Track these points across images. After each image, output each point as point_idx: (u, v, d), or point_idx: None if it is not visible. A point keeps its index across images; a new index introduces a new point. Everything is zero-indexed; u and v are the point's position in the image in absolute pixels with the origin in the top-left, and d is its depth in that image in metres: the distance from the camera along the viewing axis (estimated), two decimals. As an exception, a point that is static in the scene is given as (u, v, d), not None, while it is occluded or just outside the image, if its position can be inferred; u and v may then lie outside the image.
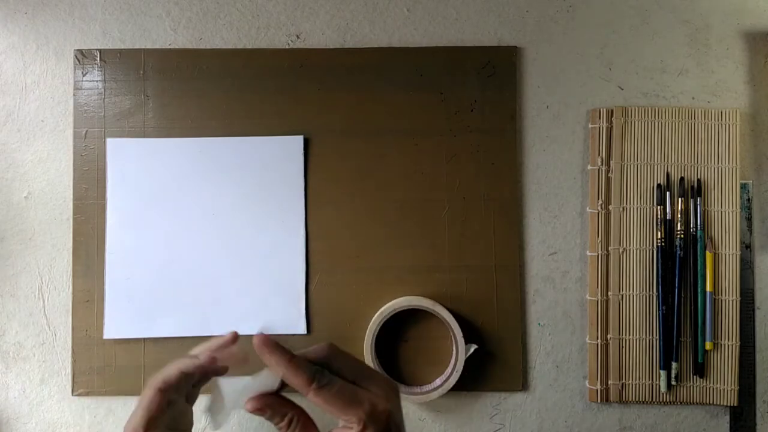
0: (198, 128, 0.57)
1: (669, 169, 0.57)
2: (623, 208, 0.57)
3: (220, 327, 0.56)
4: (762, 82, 0.58)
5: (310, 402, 0.35)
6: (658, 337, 0.56)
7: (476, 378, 0.56)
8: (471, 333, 0.56)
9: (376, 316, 0.55)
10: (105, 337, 0.56)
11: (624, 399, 0.56)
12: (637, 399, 0.56)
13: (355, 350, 0.56)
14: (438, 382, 0.55)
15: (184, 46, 0.58)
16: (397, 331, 0.56)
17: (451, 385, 0.54)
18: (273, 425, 0.38)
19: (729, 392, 0.56)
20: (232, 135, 0.57)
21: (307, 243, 0.57)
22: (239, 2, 0.59)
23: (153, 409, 0.43)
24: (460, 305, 0.56)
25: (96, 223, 0.57)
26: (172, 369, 0.44)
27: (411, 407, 0.57)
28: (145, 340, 0.56)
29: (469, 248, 0.57)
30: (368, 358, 0.54)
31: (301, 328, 0.56)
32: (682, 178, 0.57)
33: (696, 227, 0.56)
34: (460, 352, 0.54)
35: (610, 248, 0.57)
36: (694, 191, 0.56)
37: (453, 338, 0.55)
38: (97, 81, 0.58)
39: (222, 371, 0.44)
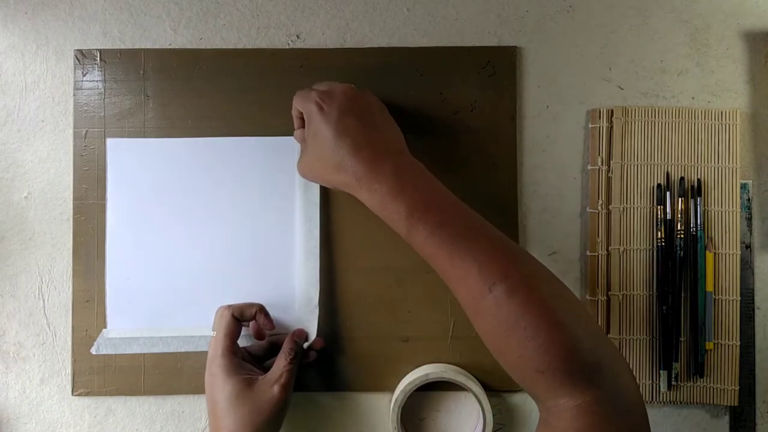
0: (198, 128, 0.57)
1: (669, 169, 0.57)
2: (623, 208, 0.57)
3: (220, 327, 0.56)
4: (762, 82, 0.58)
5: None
6: (658, 337, 0.56)
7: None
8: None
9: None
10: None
11: (624, 399, 0.56)
12: (637, 399, 0.56)
13: (355, 352, 0.56)
14: None
15: (184, 46, 0.58)
16: (397, 331, 0.56)
17: None
18: None
19: (729, 392, 0.56)
20: (232, 135, 0.57)
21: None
22: (239, 2, 0.59)
23: (232, 331, 0.52)
24: (459, 305, 0.56)
25: (96, 223, 0.57)
26: (240, 304, 0.54)
27: (411, 407, 0.57)
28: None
29: (469, 248, 0.57)
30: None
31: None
32: (682, 178, 0.57)
33: (696, 227, 0.56)
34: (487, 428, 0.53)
35: (610, 248, 0.57)
36: (694, 191, 0.57)
37: (481, 412, 0.53)
38: (97, 81, 0.58)
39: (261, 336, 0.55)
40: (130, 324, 0.56)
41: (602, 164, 0.57)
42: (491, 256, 0.43)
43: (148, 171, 0.57)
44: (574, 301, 0.45)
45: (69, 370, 0.56)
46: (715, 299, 0.56)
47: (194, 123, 0.57)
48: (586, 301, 0.57)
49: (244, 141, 0.57)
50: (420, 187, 0.47)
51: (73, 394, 0.56)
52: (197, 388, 0.56)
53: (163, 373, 0.56)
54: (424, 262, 0.57)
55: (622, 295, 0.57)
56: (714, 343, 0.56)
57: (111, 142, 0.57)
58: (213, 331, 0.53)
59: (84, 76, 0.58)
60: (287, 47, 0.58)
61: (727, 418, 0.57)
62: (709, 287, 0.55)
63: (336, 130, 0.48)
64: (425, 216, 0.45)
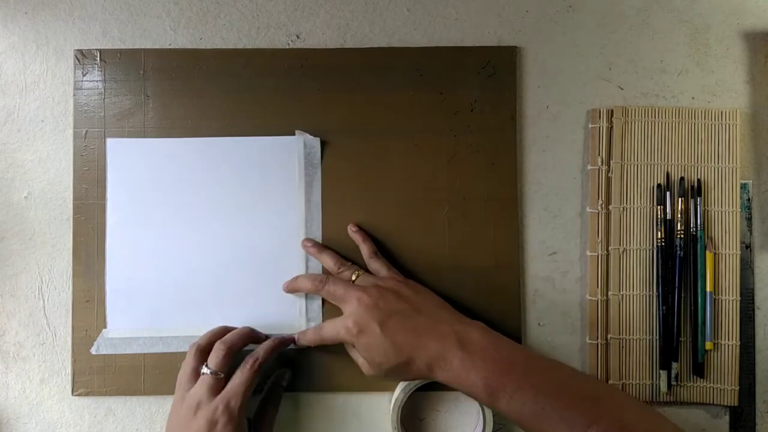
0: (198, 128, 0.57)
1: (669, 169, 0.57)
2: (623, 208, 0.57)
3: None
4: (762, 82, 0.58)
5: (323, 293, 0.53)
6: (658, 337, 0.56)
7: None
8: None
9: None
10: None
11: (624, 399, 0.56)
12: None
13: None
14: None
15: (184, 46, 0.58)
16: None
17: None
18: None
19: (729, 392, 0.56)
20: (232, 135, 0.57)
21: (307, 243, 0.57)
22: (239, 2, 0.59)
23: (250, 386, 0.50)
24: (459, 306, 0.56)
25: (96, 223, 0.57)
26: (265, 347, 0.52)
27: (411, 407, 0.57)
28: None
29: (469, 248, 0.57)
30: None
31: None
32: (682, 178, 0.57)
33: (696, 227, 0.56)
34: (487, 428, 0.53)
35: (610, 248, 0.57)
36: (694, 191, 0.57)
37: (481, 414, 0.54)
38: (97, 81, 0.58)
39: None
40: (130, 324, 0.56)
41: (602, 164, 0.57)
42: (576, 407, 0.44)
43: (148, 171, 0.57)
44: (667, 424, 0.46)
45: (69, 370, 0.56)
46: (715, 299, 0.56)
47: (194, 123, 0.57)
48: (585, 301, 0.57)
49: (244, 141, 0.57)
50: (488, 352, 0.47)
51: (73, 394, 0.56)
52: (197, 388, 0.56)
53: (163, 373, 0.56)
54: (423, 262, 0.57)
55: (622, 295, 0.57)
56: (714, 343, 0.56)
57: (111, 142, 0.57)
58: (210, 366, 0.50)
59: (84, 76, 0.58)
60: (287, 47, 0.58)
61: (727, 418, 0.57)
62: (709, 287, 0.55)
63: (386, 341, 0.48)
64: (501, 383, 0.45)
